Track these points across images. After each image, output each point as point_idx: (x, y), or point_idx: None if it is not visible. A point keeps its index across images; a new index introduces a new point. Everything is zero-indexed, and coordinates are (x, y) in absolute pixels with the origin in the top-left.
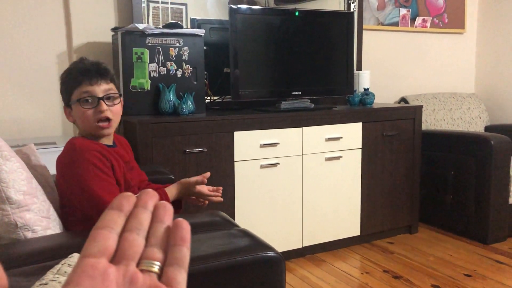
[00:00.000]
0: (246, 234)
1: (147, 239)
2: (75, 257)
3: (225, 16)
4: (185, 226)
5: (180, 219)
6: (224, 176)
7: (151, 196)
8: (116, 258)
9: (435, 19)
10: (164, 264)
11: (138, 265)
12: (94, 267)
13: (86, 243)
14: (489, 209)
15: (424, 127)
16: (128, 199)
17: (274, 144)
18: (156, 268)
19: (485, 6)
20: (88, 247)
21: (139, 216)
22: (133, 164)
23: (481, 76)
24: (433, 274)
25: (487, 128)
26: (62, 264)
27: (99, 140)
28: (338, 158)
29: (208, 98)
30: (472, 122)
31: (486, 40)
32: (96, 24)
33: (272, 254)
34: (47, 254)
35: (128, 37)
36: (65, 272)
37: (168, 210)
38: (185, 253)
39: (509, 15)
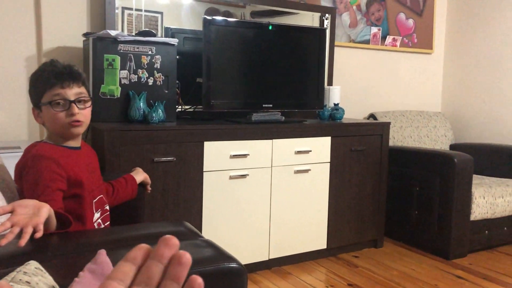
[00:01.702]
0: (209, 244)
1: None
2: (31, 264)
3: (199, 27)
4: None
5: (195, 276)
6: (192, 186)
7: (170, 247)
8: None
9: (405, 38)
10: None
11: None
12: None
13: None
14: (451, 225)
15: (391, 143)
16: (143, 251)
17: (244, 155)
18: None
19: (452, 28)
20: None
21: (151, 269)
22: (94, 168)
23: (447, 95)
24: None
25: (451, 147)
26: (18, 272)
27: (65, 142)
28: (307, 171)
29: (180, 107)
30: (438, 140)
31: (453, 61)
32: (68, 29)
33: (234, 265)
34: (2, 262)
35: (100, 43)
36: (20, 280)
37: (184, 264)
38: None
39: (475, 38)
